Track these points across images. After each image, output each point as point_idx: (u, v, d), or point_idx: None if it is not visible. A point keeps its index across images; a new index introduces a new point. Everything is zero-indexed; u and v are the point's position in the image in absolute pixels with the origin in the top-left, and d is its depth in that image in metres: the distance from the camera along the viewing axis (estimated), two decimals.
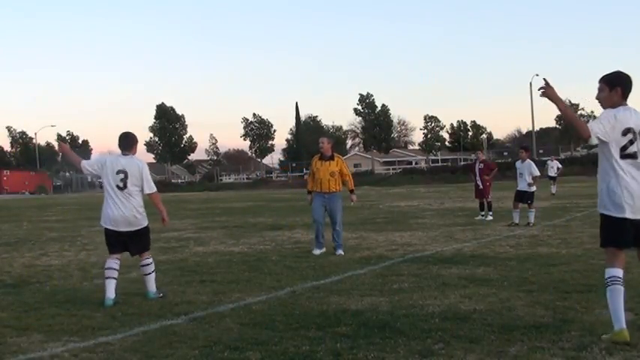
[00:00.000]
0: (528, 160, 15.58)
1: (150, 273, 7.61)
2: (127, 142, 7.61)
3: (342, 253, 10.84)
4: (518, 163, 15.77)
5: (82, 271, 10.03)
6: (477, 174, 17.46)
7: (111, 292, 7.27)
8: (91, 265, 10.51)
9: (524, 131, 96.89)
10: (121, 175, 7.37)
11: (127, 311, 6.83)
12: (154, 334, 5.83)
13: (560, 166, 31.70)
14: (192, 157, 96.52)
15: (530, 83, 69.13)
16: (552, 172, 29.97)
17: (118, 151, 7.71)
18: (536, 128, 76.26)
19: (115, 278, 7.35)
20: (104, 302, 7.19)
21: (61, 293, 8.07)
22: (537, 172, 15.42)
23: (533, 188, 15.38)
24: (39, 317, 6.68)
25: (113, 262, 7.41)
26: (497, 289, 7.40)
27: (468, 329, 5.60)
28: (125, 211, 7.36)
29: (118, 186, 7.36)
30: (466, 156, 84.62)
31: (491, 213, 16.85)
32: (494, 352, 4.95)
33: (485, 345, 5.12)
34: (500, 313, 6.21)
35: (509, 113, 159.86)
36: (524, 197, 15.30)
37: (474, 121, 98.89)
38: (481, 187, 17.26)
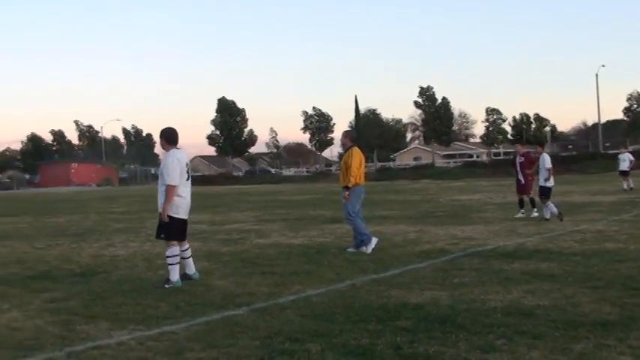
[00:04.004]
0: (543, 153, 15.62)
1: (191, 255, 8.29)
2: (177, 136, 8.19)
3: (352, 250, 10.53)
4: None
5: (146, 261, 10.27)
6: (518, 169, 16.93)
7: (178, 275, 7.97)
8: (155, 256, 10.74)
9: (590, 123, 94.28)
10: (187, 168, 8.02)
11: (190, 301, 6.97)
12: (216, 324, 5.94)
13: (632, 158, 28.41)
14: (253, 150, 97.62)
15: (597, 74, 67.30)
16: (625, 166, 27.29)
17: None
18: (603, 120, 74.14)
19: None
20: (177, 284, 7.82)
21: (127, 283, 8.28)
22: (548, 165, 15.23)
23: (550, 183, 15.06)
24: (106, 306, 6.88)
25: (179, 249, 8.02)
26: (561, 284, 7.25)
27: (532, 325, 5.51)
28: (190, 198, 8.10)
29: (186, 178, 7.96)
30: (528, 149, 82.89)
31: (535, 209, 16.25)
32: (558, 348, 4.86)
33: (550, 341, 5.03)
34: (564, 309, 6.09)
35: (574, 105, 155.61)
36: (540, 191, 15.05)
37: (537, 114, 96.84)
38: (523, 182, 16.73)
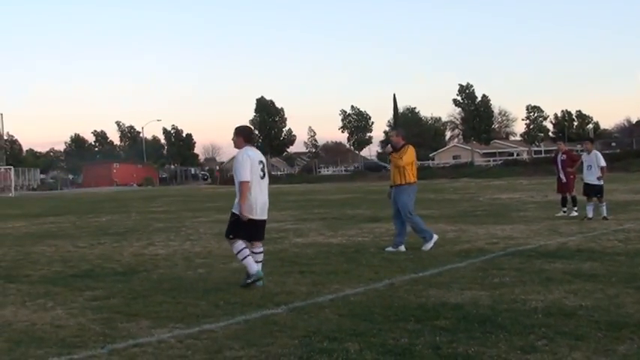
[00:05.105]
0: (595, 151, 15.19)
1: (262, 261, 7.98)
2: (254, 135, 7.97)
3: (390, 249, 10.53)
4: (584, 156, 15.31)
5: (186, 260, 10.37)
6: (559, 167, 16.67)
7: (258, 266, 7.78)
8: (195, 255, 10.85)
9: (634, 120, 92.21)
10: (261, 166, 7.89)
11: (230, 300, 7.01)
12: (255, 323, 5.97)
13: None
14: (291, 149, 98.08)
15: None
16: None
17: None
18: None
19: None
20: (258, 274, 7.65)
21: (167, 281, 8.38)
22: (604, 163, 14.91)
23: (602, 181, 14.75)
24: (147, 304, 6.97)
25: (244, 243, 7.76)
26: (604, 284, 7.12)
27: (573, 326, 5.42)
28: (265, 198, 7.89)
29: (260, 176, 7.81)
30: (571, 147, 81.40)
31: (576, 208, 15.95)
32: (601, 350, 4.77)
33: (592, 342, 4.94)
34: (607, 309, 5.97)
35: (617, 102, 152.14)
36: (592, 190, 14.70)
37: (580, 111, 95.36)
38: (564, 180, 16.46)
